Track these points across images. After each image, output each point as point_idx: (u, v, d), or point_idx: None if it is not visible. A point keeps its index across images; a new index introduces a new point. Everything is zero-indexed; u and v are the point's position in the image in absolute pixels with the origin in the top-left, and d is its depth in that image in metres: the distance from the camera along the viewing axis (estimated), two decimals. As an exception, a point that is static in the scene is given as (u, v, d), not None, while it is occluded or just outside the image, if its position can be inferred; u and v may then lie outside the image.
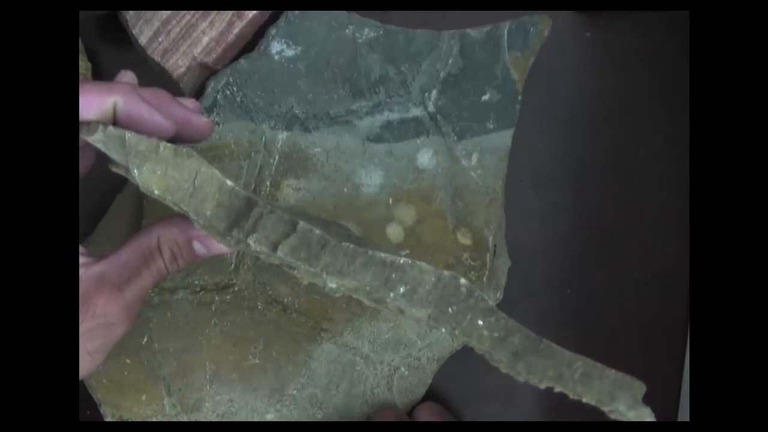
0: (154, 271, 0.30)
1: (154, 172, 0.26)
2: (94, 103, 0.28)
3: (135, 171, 0.26)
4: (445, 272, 0.26)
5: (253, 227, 0.26)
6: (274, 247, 0.26)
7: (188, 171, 0.26)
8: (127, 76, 0.32)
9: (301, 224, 0.25)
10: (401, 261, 0.26)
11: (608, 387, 0.26)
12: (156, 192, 0.26)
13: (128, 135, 0.26)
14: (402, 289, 0.26)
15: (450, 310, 0.26)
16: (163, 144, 0.26)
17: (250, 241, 0.26)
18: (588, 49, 0.44)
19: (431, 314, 0.26)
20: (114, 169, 0.27)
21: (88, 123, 0.27)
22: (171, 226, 0.29)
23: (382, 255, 0.26)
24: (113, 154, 0.27)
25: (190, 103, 0.32)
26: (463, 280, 0.26)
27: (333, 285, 0.26)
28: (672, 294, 0.43)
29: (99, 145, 0.27)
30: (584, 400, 0.26)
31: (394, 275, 0.26)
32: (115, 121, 0.28)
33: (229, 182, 0.26)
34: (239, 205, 0.26)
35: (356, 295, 0.26)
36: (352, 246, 0.26)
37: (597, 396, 0.26)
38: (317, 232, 0.25)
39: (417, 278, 0.26)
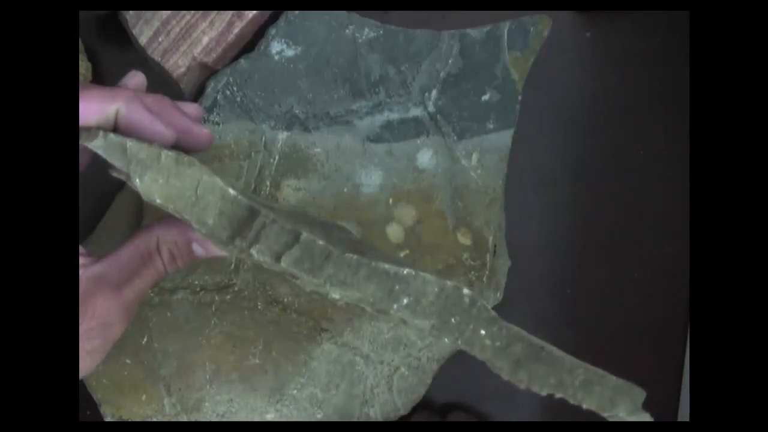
0: (153, 271, 0.30)
1: (156, 181, 0.26)
2: (95, 109, 0.28)
3: (137, 179, 0.26)
4: (448, 283, 0.26)
5: (256, 237, 0.26)
6: (277, 258, 0.26)
7: (190, 180, 0.26)
8: (137, 78, 0.32)
9: (304, 235, 0.25)
10: (405, 272, 0.26)
11: (609, 393, 0.26)
12: (158, 200, 0.26)
13: (129, 143, 0.26)
14: (405, 300, 0.26)
15: (453, 320, 0.26)
16: (164, 152, 0.26)
17: (253, 251, 0.26)
18: (588, 49, 0.44)
19: (434, 325, 0.26)
20: (115, 174, 0.27)
21: (89, 129, 0.27)
22: (171, 227, 0.29)
23: (386, 266, 0.26)
24: (114, 161, 0.26)
25: (192, 108, 0.32)
26: (465, 290, 0.26)
27: (336, 296, 0.26)
28: (672, 294, 0.43)
29: (99, 151, 0.26)
30: (585, 406, 0.26)
31: (397, 286, 0.26)
32: (116, 127, 0.28)
33: (231, 191, 0.26)
34: (242, 214, 0.26)
35: (360, 304, 0.26)
36: (355, 257, 0.26)
37: (597, 402, 0.26)
38: (320, 243, 0.25)
39: (420, 289, 0.26)
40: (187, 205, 0.26)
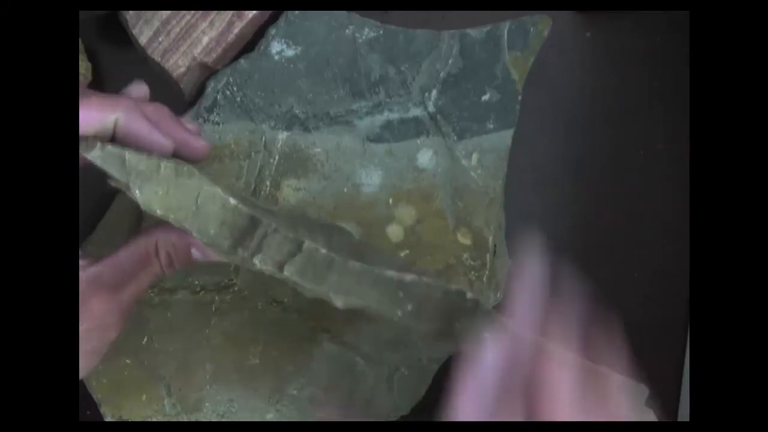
0: (150, 274, 0.30)
1: (156, 192, 0.26)
2: (95, 117, 0.28)
3: (136, 191, 0.26)
4: (453, 287, 0.26)
5: (258, 247, 0.26)
6: (280, 267, 0.26)
7: (190, 190, 0.26)
8: (141, 90, 0.32)
9: (307, 244, 0.25)
10: (408, 279, 0.26)
11: None
12: (158, 211, 0.26)
13: (128, 155, 0.26)
14: (410, 307, 0.26)
15: (457, 324, 0.26)
16: (164, 163, 0.26)
17: (256, 260, 0.26)
18: (588, 49, 0.44)
19: (439, 329, 0.26)
20: (113, 184, 0.27)
21: (86, 138, 0.27)
22: (170, 231, 0.29)
23: (389, 274, 0.26)
24: (112, 171, 0.26)
25: (190, 125, 0.32)
26: (469, 294, 0.26)
27: (339, 303, 0.26)
28: (672, 294, 0.43)
29: (97, 162, 0.26)
30: None
31: (401, 293, 0.26)
32: (114, 135, 0.28)
33: (232, 200, 0.26)
34: (243, 223, 0.26)
35: (364, 311, 0.26)
36: (358, 265, 0.25)
37: None
38: (323, 251, 0.25)
39: (424, 295, 0.26)
40: (188, 216, 0.26)
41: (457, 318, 0.26)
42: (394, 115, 0.40)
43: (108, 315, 0.28)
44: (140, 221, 0.39)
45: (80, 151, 0.27)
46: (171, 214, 0.26)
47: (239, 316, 0.38)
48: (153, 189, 0.26)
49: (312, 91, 0.40)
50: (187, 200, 0.26)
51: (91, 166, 0.31)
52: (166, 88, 0.41)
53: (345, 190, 0.39)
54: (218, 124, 0.39)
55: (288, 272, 0.25)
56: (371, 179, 0.40)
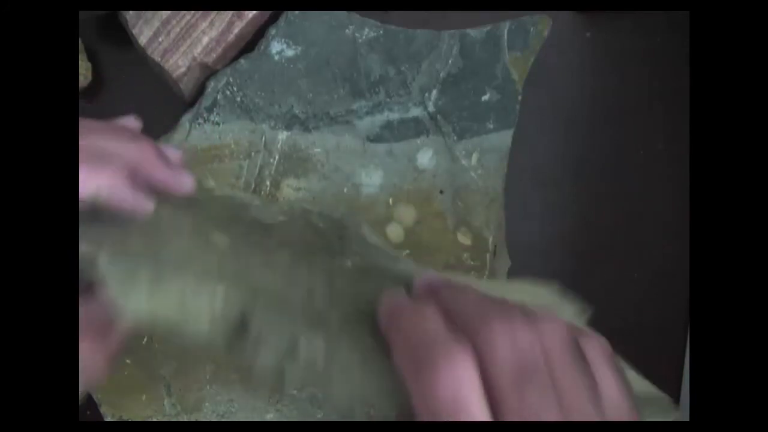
0: None
1: (139, 295, 0.25)
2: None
3: (120, 301, 0.25)
4: None
5: (255, 347, 0.25)
6: (280, 371, 0.25)
7: (175, 289, 0.25)
8: (132, 125, 0.31)
9: (302, 342, 0.25)
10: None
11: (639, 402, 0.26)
12: (145, 318, 0.25)
13: (101, 259, 0.25)
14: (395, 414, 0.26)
15: None
16: (140, 275, 0.25)
17: (258, 360, 0.25)
18: (588, 49, 0.44)
19: None
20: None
21: None
22: None
23: (389, 386, 0.25)
24: (87, 270, 0.26)
25: (175, 154, 0.32)
26: None
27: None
28: (672, 294, 0.43)
29: None
30: None
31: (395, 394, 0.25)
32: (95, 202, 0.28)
33: (218, 297, 0.25)
34: (235, 321, 0.25)
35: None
36: (357, 359, 0.25)
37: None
38: (320, 356, 0.25)
39: None
40: (176, 314, 0.25)
41: None
42: (394, 115, 0.40)
43: (94, 358, 0.28)
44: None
45: None
46: (161, 313, 0.25)
47: (239, 316, 0.38)
48: (136, 299, 0.25)
49: (312, 91, 0.40)
50: (173, 300, 0.25)
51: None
52: (166, 88, 0.41)
53: (345, 190, 0.39)
54: (218, 124, 0.39)
55: (287, 384, 0.25)
56: (371, 179, 0.40)
